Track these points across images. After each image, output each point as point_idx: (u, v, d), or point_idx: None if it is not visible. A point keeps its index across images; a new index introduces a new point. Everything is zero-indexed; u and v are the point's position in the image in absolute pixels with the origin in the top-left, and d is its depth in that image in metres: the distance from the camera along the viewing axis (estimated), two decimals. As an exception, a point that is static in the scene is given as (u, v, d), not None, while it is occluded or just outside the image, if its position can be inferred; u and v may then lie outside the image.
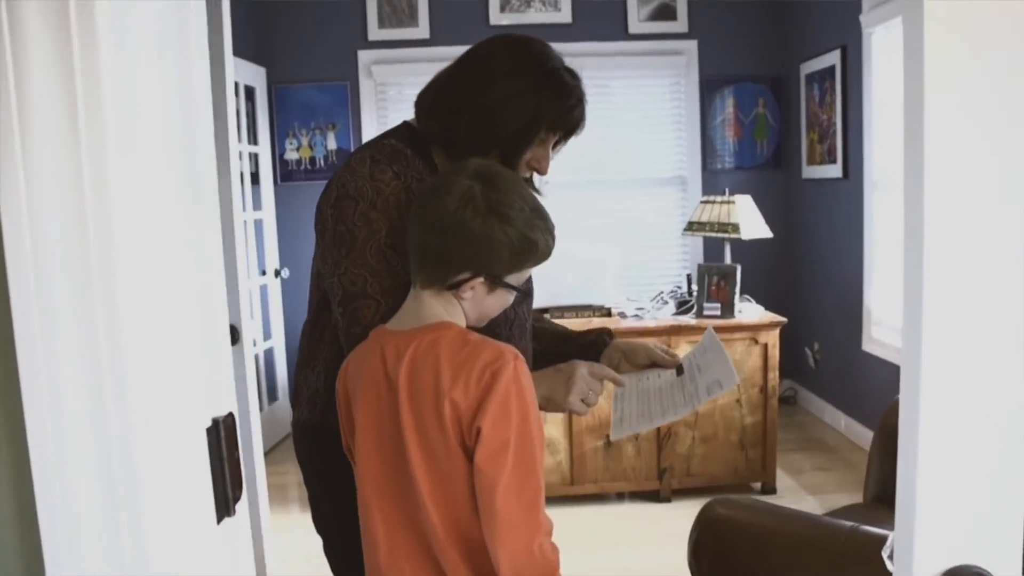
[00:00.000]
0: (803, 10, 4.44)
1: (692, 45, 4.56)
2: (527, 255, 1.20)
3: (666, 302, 3.69)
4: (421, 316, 1.19)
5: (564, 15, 4.56)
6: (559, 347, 1.63)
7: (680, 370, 1.56)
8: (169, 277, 0.69)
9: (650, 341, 1.69)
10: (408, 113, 1.48)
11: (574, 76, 1.41)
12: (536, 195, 1.57)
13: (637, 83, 4.65)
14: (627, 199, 4.67)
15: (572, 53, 4.53)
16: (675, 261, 4.71)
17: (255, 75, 4.38)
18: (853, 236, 3.98)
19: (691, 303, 3.57)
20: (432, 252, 1.18)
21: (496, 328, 1.42)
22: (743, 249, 3.92)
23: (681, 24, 4.53)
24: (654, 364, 1.57)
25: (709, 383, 1.50)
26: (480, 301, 1.22)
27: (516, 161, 1.38)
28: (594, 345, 1.63)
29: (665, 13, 4.53)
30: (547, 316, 1.97)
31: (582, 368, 1.39)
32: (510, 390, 1.10)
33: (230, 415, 0.75)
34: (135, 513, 0.65)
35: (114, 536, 0.65)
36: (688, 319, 3.48)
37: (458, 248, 1.17)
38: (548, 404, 1.38)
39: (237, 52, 4.06)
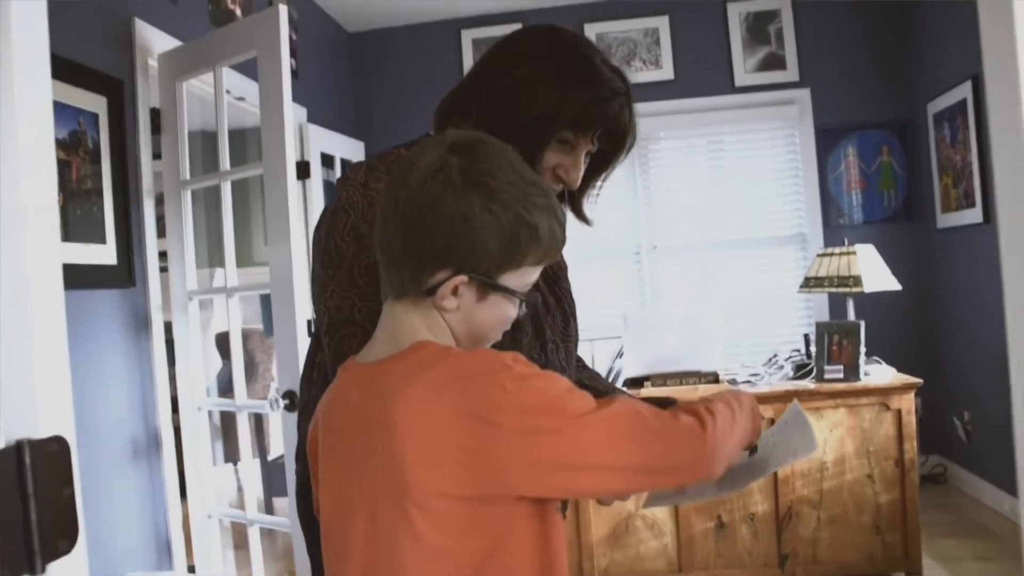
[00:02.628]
0: (924, 45, 4.09)
1: (804, 94, 4.28)
2: (525, 244, 0.90)
3: (782, 366, 3.34)
4: (394, 338, 0.92)
5: (666, 72, 4.40)
6: None
7: (754, 449, 1.28)
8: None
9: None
10: None
11: (616, 71, 1.19)
12: (587, 224, 1.37)
13: (747, 137, 4.40)
14: (741, 259, 4.36)
15: (677, 110, 4.39)
16: (794, 322, 4.31)
17: (353, 148, 4.43)
18: (1000, 287, 3.50)
19: (810, 366, 3.21)
20: (399, 247, 0.90)
21: None
22: (870, 305, 3.53)
23: (791, 73, 4.27)
24: None
25: (783, 455, 1.23)
26: (469, 313, 0.92)
27: (534, 166, 1.16)
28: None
29: (773, 63, 4.28)
30: (608, 370, 1.69)
31: None
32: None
33: (56, 440, 0.59)
34: None
35: None
36: (807, 383, 3.12)
37: (429, 236, 0.88)
38: None
39: (335, 127, 4.17)
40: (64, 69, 2.24)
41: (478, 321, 0.94)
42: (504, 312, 0.95)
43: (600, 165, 1.27)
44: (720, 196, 4.39)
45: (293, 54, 3.59)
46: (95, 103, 2.37)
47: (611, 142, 1.21)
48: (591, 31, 4.43)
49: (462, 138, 0.94)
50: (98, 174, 2.37)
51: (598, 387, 1.41)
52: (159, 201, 2.64)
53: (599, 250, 4.43)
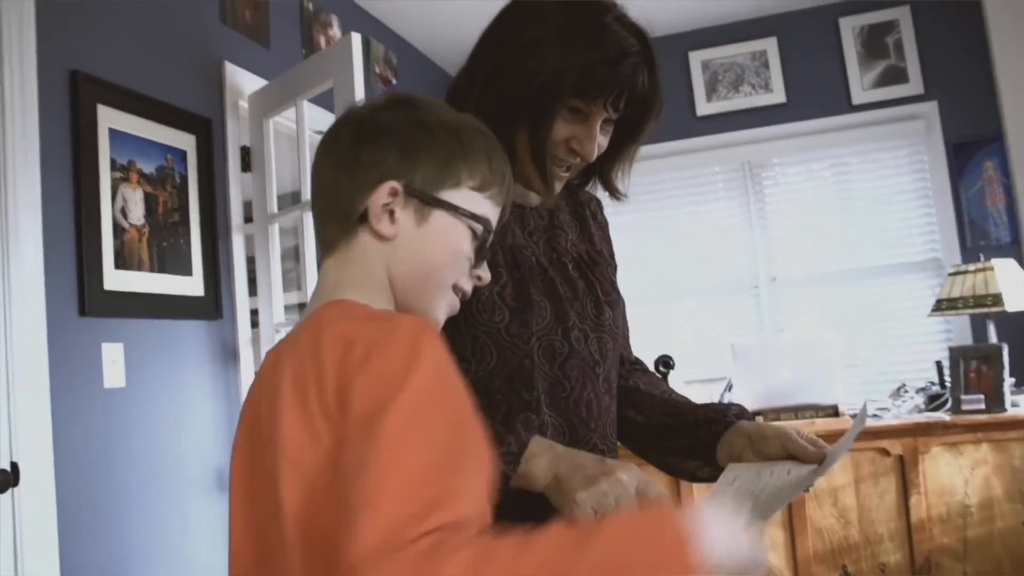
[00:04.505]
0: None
1: (931, 107, 3.94)
2: (460, 158, 0.82)
3: (912, 397, 3.01)
4: (317, 296, 0.82)
5: (778, 95, 4.18)
6: (665, 419, 1.22)
7: (823, 464, 1.04)
8: None
9: (798, 426, 1.18)
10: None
11: (633, 29, 1.06)
12: (618, 199, 1.24)
13: (869, 158, 4.08)
14: (869, 289, 4.01)
15: (790, 134, 4.15)
16: (926, 350, 3.83)
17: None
18: None
19: (944, 396, 2.87)
20: (329, 186, 0.82)
21: (560, 391, 1.08)
22: (1014, 327, 3.14)
23: (915, 86, 3.95)
24: (791, 456, 1.07)
25: (825, 465, 1.02)
26: (409, 240, 0.80)
27: (544, 140, 1.05)
28: (709, 424, 1.16)
29: (894, 76, 3.98)
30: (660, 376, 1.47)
31: (627, 473, 0.93)
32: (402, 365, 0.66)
33: None
34: None
35: None
36: (941, 416, 2.79)
37: (355, 159, 0.80)
38: (554, 485, 0.95)
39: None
40: (155, 109, 2.33)
41: (423, 253, 0.81)
42: (454, 240, 0.82)
43: (628, 134, 1.14)
44: (843, 222, 4.08)
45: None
46: (184, 141, 2.45)
47: (631, 108, 1.08)
48: (695, 59, 4.29)
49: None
50: (185, 208, 2.43)
51: (685, 414, 1.22)
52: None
53: (713, 284, 4.20)
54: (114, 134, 2.19)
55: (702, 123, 4.31)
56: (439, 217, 0.81)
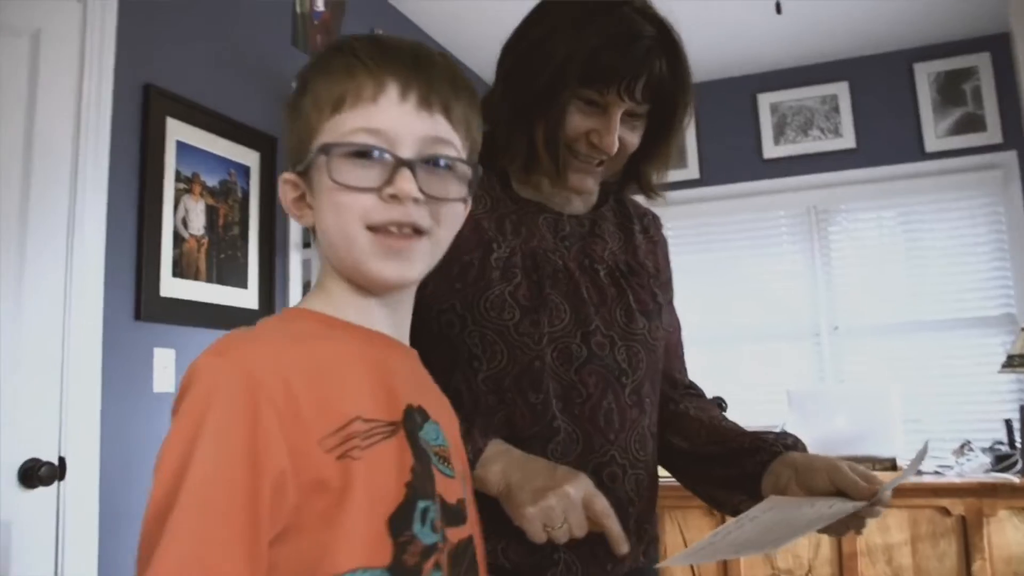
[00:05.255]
0: None
1: (1010, 157, 3.80)
2: (304, 108, 0.74)
3: (977, 456, 2.86)
4: None
5: (847, 140, 4.10)
6: (710, 446, 1.14)
7: (876, 503, 0.94)
8: None
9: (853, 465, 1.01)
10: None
11: (650, 16, 1.03)
12: (653, 198, 1.19)
13: (942, 207, 3.95)
14: (936, 343, 3.85)
15: (859, 180, 4.06)
16: (996, 407, 3.62)
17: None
18: None
19: (1014, 458, 2.73)
20: None
21: (575, 397, 1.04)
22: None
23: (992, 134, 3.82)
24: (840, 492, 0.95)
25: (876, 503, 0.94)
26: (322, 220, 0.73)
27: (555, 131, 1.03)
28: (755, 452, 1.06)
29: (971, 124, 3.87)
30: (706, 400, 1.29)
31: (578, 488, 0.89)
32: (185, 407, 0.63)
33: None
34: None
35: None
36: (1010, 477, 2.65)
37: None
38: (505, 495, 0.92)
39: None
40: (222, 124, 2.41)
41: (321, 218, 0.73)
42: (324, 183, 0.71)
43: (660, 130, 1.11)
44: (911, 272, 3.95)
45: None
46: (248, 157, 2.52)
47: (655, 99, 1.05)
48: (764, 101, 4.25)
49: None
50: (244, 222, 2.49)
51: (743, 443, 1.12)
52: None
53: (773, 330, 4.10)
54: (181, 147, 2.26)
55: (769, 166, 4.24)
56: (316, 177, 0.73)
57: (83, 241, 1.95)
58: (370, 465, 0.66)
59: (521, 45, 1.07)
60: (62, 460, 1.85)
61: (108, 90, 2.05)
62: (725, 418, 1.19)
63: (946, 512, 2.64)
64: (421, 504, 0.69)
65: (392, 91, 0.72)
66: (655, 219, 1.28)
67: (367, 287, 0.75)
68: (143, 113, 2.16)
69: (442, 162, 0.73)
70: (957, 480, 2.66)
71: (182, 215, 2.26)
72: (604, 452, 1.04)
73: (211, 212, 2.37)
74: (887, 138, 4.01)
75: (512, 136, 1.07)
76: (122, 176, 2.09)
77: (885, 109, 4.03)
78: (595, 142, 1.05)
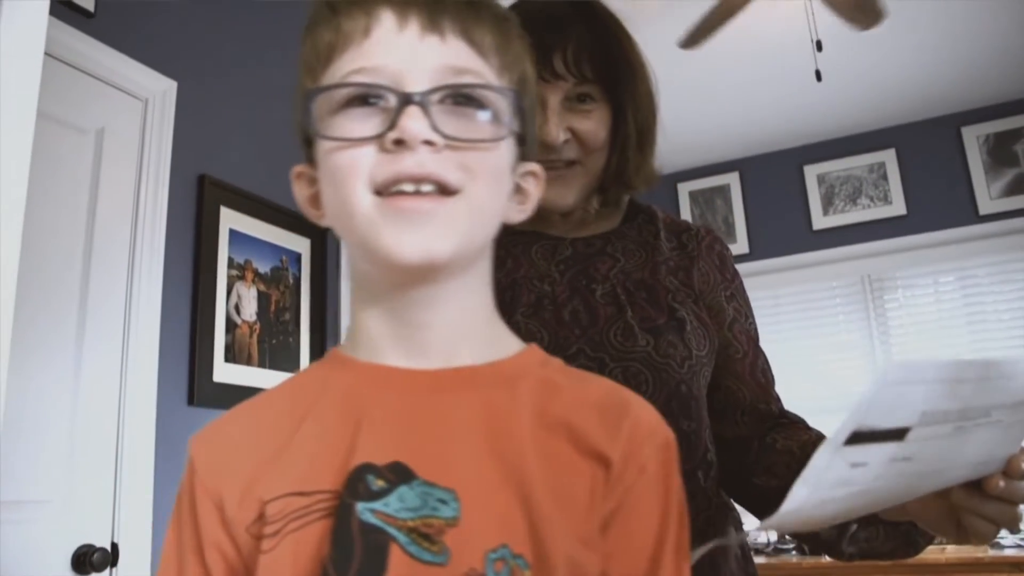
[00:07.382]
0: None
1: (1069, 216, 3.71)
2: (302, 81, 0.61)
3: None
4: None
5: (897, 207, 4.04)
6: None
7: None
8: None
9: None
10: None
11: None
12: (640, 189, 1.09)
13: (1000, 269, 3.84)
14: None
15: (912, 246, 3.95)
16: None
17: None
18: None
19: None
20: None
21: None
22: None
23: (1048, 194, 3.75)
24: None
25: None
26: (329, 212, 0.59)
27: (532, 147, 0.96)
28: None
29: (1025, 185, 3.79)
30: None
31: None
32: None
33: None
34: None
35: None
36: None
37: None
38: None
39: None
40: (273, 213, 2.47)
41: (327, 199, 0.58)
42: (325, 148, 0.57)
43: (620, 111, 1.03)
44: (972, 338, 3.81)
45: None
46: (299, 244, 2.57)
47: (594, 75, 0.98)
48: (811, 172, 4.24)
49: None
50: (296, 307, 2.53)
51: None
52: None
53: (829, 403, 3.96)
54: (234, 234, 2.32)
55: (818, 237, 4.20)
56: (318, 155, 0.59)
57: (139, 327, 1.99)
58: (275, 559, 0.52)
59: None
60: (115, 546, 1.85)
61: (165, 181, 2.13)
62: (822, 437, 0.96)
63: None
64: None
65: (387, 18, 0.56)
66: (699, 233, 1.13)
67: (388, 279, 0.57)
68: (198, 203, 2.23)
69: (465, 93, 0.56)
70: (1012, 553, 2.50)
71: (235, 301, 2.30)
72: None
73: (263, 298, 2.41)
74: (939, 203, 3.95)
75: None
76: (177, 263, 2.14)
77: (935, 174, 3.98)
78: (544, 139, 0.96)
